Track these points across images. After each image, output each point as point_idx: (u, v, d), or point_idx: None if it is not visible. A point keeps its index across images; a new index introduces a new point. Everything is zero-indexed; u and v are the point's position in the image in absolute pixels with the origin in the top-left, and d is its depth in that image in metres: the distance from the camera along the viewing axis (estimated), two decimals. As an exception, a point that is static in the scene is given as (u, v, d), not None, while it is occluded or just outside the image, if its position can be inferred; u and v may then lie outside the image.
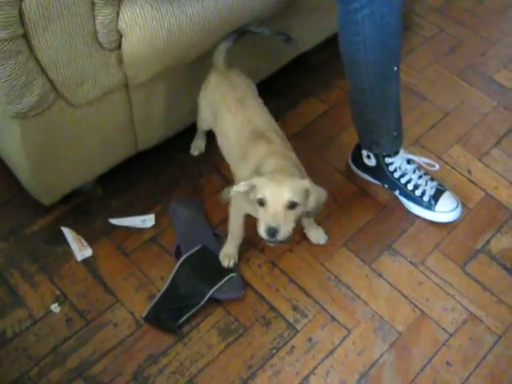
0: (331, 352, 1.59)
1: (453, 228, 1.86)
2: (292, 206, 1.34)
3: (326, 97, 2.18)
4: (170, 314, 1.59)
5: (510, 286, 1.75)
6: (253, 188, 1.37)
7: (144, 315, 1.60)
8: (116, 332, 1.60)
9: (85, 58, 1.41)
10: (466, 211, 1.89)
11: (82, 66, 1.42)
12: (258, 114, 1.59)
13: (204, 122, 1.79)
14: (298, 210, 1.36)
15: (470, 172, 2.01)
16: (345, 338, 1.62)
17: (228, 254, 1.70)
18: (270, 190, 1.33)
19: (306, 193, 1.38)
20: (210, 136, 1.98)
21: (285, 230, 1.33)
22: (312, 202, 1.40)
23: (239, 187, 1.40)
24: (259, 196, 1.34)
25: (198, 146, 1.96)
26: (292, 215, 1.35)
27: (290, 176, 1.38)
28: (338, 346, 1.60)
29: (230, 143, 1.60)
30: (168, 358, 1.56)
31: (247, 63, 1.86)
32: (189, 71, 1.71)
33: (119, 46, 1.44)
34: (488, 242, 1.84)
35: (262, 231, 1.35)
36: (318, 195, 1.41)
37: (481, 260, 1.80)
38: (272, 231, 1.32)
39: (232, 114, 1.58)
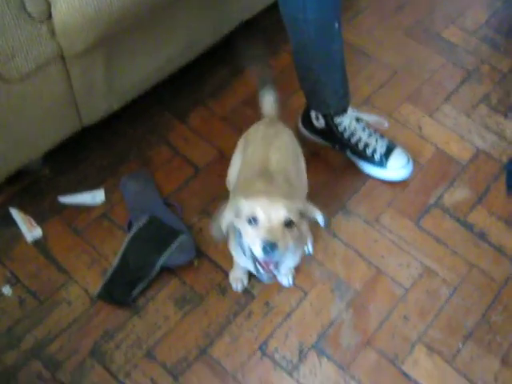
0: (289, 315, 1.59)
1: (406, 185, 1.86)
2: (288, 224, 1.18)
3: (274, 62, 2.15)
4: (123, 288, 1.57)
5: (464, 238, 1.76)
6: (238, 211, 1.21)
7: (96, 293, 1.57)
8: (70, 310, 1.57)
9: (14, 30, 1.36)
10: (418, 167, 1.89)
11: (11, 39, 1.36)
12: (280, 157, 1.44)
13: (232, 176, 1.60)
14: (294, 233, 1.20)
15: (420, 128, 2.01)
16: (302, 300, 1.62)
17: (236, 278, 1.60)
18: (261, 205, 1.17)
19: (301, 215, 1.23)
20: (154, 107, 1.95)
21: (283, 247, 1.15)
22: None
23: (224, 214, 1.23)
24: (248, 213, 1.17)
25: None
26: (289, 236, 1.18)
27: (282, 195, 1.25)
28: (296, 309, 1.60)
29: (239, 173, 1.49)
30: (124, 332, 1.54)
31: (191, 32, 1.83)
32: (132, 40, 1.66)
33: (50, 16, 1.40)
34: (441, 196, 1.84)
35: (256, 249, 1.15)
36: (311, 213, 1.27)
37: (434, 214, 1.80)
38: (269, 246, 1.12)
39: (255, 146, 1.48)
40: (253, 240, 1.17)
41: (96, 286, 1.59)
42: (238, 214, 1.21)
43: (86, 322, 1.55)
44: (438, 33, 2.32)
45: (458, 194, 1.85)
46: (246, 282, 1.62)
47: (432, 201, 1.84)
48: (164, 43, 1.79)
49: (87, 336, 1.53)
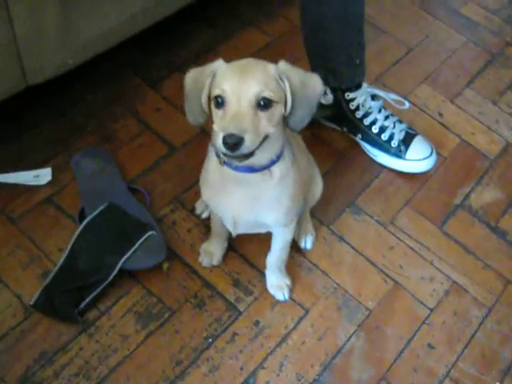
0: (284, 338, 1.24)
1: (426, 180, 1.54)
2: (264, 105, 0.91)
3: (268, 27, 1.80)
4: (67, 296, 1.19)
5: (496, 248, 1.45)
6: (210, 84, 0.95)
7: (32, 302, 1.19)
8: (-4, 323, 1.19)
9: None
10: (439, 160, 1.57)
11: None
12: None
13: None
14: (276, 112, 0.94)
15: (441, 115, 1.68)
16: (301, 319, 1.27)
17: (206, 250, 1.31)
18: (230, 80, 0.91)
19: (288, 81, 0.95)
20: (121, 69, 1.59)
21: (252, 139, 0.89)
22: (300, 94, 0.95)
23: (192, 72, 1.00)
24: (216, 92, 0.92)
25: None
26: (265, 119, 0.92)
27: (260, 62, 0.97)
28: (293, 331, 1.25)
29: None
30: (68, 356, 1.16)
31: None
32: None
33: None
34: (468, 196, 1.53)
35: (218, 142, 0.90)
36: (304, 81, 0.97)
37: (461, 217, 1.49)
38: (232, 140, 0.87)
39: None
40: (216, 129, 0.93)
41: (33, 292, 1.21)
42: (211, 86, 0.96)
43: (18, 340, 1.17)
44: (455, 9, 2.01)
45: (487, 195, 1.54)
46: (217, 259, 1.30)
47: (457, 201, 1.51)
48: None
49: (17, 359, 1.15)
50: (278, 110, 0.94)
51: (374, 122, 1.49)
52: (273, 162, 1.01)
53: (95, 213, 1.28)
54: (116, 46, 1.47)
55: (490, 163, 1.60)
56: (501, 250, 1.44)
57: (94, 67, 1.51)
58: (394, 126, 1.50)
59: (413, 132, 1.52)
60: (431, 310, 1.33)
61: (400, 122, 1.52)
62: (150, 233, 1.26)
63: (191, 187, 1.41)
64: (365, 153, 1.55)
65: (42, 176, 1.39)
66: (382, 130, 1.49)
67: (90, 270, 1.21)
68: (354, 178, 1.51)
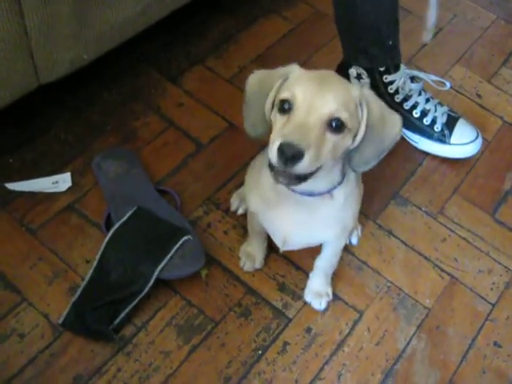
0: (340, 345, 1.13)
1: (472, 166, 1.43)
2: (336, 127, 0.78)
3: (290, 14, 1.69)
4: (99, 312, 1.07)
5: (555, 233, 1.33)
6: (280, 89, 0.83)
7: (61, 320, 1.08)
8: (23, 346, 1.07)
9: None
10: (484, 144, 1.45)
11: None
12: None
13: None
14: (343, 141, 0.80)
15: (480, 96, 1.58)
16: (356, 322, 1.16)
17: (247, 252, 1.19)
18: (305, 87, 0.79)
19: (367, 110, 0.82)
20: (138, 64, 1.49)
21: (312, 159, 0.75)
22: (376, 129, 0.83)
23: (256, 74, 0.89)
24: (284, 95, 0.80)
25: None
26: (331, 144, 0.78)
27: (342, 79, 0.85)
28: (348, 336, 1.14)
29: None
30: (105, 379, 1.05)
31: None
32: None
33: None
34: (517, 180, 1.42)
35: (271, 151, 0.76)
36: (385, 116, 0.85)
37: (513, 204, 1.37)
38: (289, 151, 0.74)
39: None
40: (273, 136, 0.79)
41: (61, 309, 1.09)
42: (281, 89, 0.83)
43: (47, 364, 1.05)
44: (482, -14, 1.89)
45: (539, 177, 1.43)
46: (259, 261, 1.18)
47: (507, 186, 1.41)
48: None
49: (49, 384, 1.03)
50: (346, 140, 0.81)
51: (414, 106, 1.38)
52: (333, 187, 0.89)
53: (123, 219, 1.16)
54: (131, 40, 1.36)
55: (536, 144, 1.50)
56: (559, 235, 1.34)
57: (108, 63, 1.39)
58: (436, 110, 1.39)
59: (455, 115, 1.41)
60: (493, 304, 1.22)
61: (441, 104, 1.41)
62: (185, 237, 1.14)
63: (224, 186, 1.30)
64: (405, 140, 1.44)
65: (61, 182, 1.28)
66: (424, 114, 1.38)
67: (123, 282, 1.10)
68: (397, 168, 1.40)
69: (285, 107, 0.79)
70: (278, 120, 0.80)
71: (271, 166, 0.80)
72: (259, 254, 1.19)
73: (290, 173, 0.77)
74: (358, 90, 0.82)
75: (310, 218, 0.94)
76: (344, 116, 0.78)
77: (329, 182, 0.89)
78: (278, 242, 1.04)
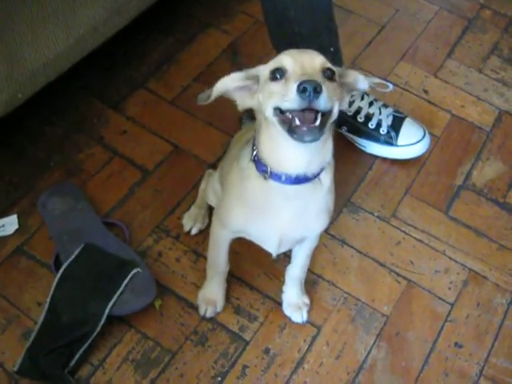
0: (299, 363, 1.12)
1: (422, 164, 1.44)
2: (329, 76, 0.83)
3: (229, 26, 1.67)
4: (54, 356, 1.06)
5: (509, 226, 1.35)
6: (250, 75, 0.90)
7: (16, 368, 1.06)
8: (-22, 399, 1.06)
9: None
10: (433, 141, 1.46)
11: None
12: None
13: None
14: (336, 91, 0.85)
15: (426, 92, 1.58)
16: (314, 338, 1.15)
17: (206, 299, 1.17)
18: (289, 54, 0.84)
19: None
20: (78, 95, 1.46)
21: (327, 93, 0.78)
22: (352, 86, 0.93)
23: (225, 78, 0.93)
24: (274, 65, 0.84)
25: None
26: (331, 88, 0.82)
27: None
28: (308, 353, 1.14)
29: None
30: (64, 423, 1.03)
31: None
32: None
33: None
34: (469, 174, 1.43)
35: (290, 97, 0.78)
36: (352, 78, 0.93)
37: (466, 198, 1.39)
38: (311, 84, 0.76)
39: None
40: (281, 91, 0.81)
41: (16, 356, 1.08)
42: (249, 78, 0.90)
43: (5, 415, 1.04)
44: (421, -23, 1.89)
45: (489, 169, 1.45)
46: (220, 304, 1.16)
47: (459, 181, 1.41)
48: (82, 5, 1.29)
49: None
50: (338, 91, 0.85)
51: (358, 112, 1.38)
52: (322, 170, 0.91)
53: (71, 257, 1.15)
54: (68, 71, 1.34)
55: (486, 135, 1.51)
56: (514, 227, 1.34)
57: (47, 97, 1.37)
58: (380, 112, 1.39)
59: (401, 115, 1.41)
60: (452, 304, 1.22)
61: (385, 106, 1.41)
62: (134, 270, 1.13)
63: (172, 211, 1.29)
64: (353, 145, 1.43)
65: (7, 225, 1.26)
66: (368, 118, 1.38)
67: (75, 323, 1.08)
68: (347, 174, 1.39)
69: (277, 76, 0.82)
70: (273, 86, 0.82)
71: (291, 130, 0.80)
72: (219, 296, 1.17)
73: (316, 105, 0.77)
74: None
75: (302, 211, 0.95)
76: (332, 66, 0.84)
77: (322, 157, 0.89)
78: (271, 247, 1.03)
